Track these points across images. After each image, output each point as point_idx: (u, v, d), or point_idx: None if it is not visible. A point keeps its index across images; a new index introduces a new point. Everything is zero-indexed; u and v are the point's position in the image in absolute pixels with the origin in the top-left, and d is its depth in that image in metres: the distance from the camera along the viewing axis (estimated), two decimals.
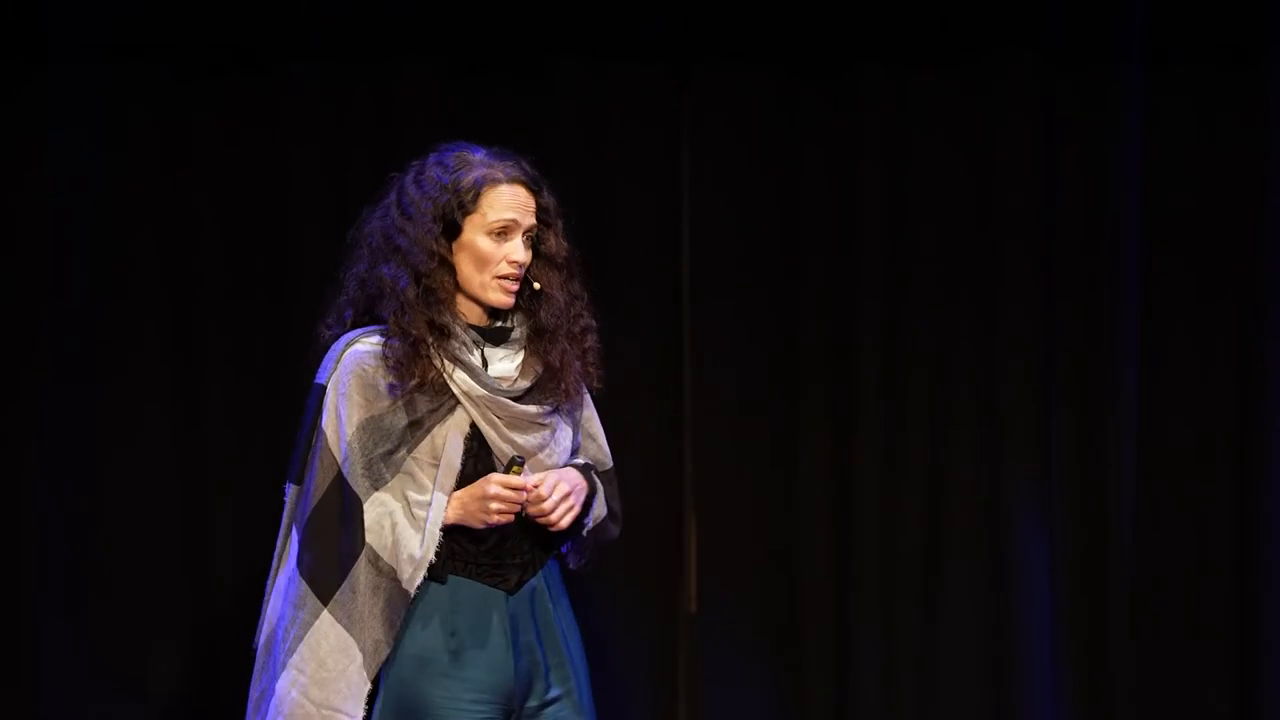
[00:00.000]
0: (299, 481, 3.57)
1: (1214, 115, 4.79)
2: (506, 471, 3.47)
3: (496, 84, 4.73)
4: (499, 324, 3.59)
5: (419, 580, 3.49)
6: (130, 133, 4.68)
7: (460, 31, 4.70)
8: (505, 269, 3.53)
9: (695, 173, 4.81)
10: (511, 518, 3.48)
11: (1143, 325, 4.78)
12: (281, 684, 3.52)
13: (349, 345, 3.56)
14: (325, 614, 3.50)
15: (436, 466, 3.52)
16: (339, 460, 3.53)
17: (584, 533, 3.63)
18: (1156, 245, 4.79)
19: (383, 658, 3.49)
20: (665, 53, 4.75)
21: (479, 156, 3.58)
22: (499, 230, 3.53)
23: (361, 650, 3.49)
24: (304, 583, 3.52)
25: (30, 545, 4.69)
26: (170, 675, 4.72)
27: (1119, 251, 4.75)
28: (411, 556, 3.48)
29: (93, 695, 4.69)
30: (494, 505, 3.45)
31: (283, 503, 3.59)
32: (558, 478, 3.53)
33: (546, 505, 3.49)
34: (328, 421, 3.55)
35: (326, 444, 3.55)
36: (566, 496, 3.52)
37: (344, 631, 3.49)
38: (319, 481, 3.54)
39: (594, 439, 3.74)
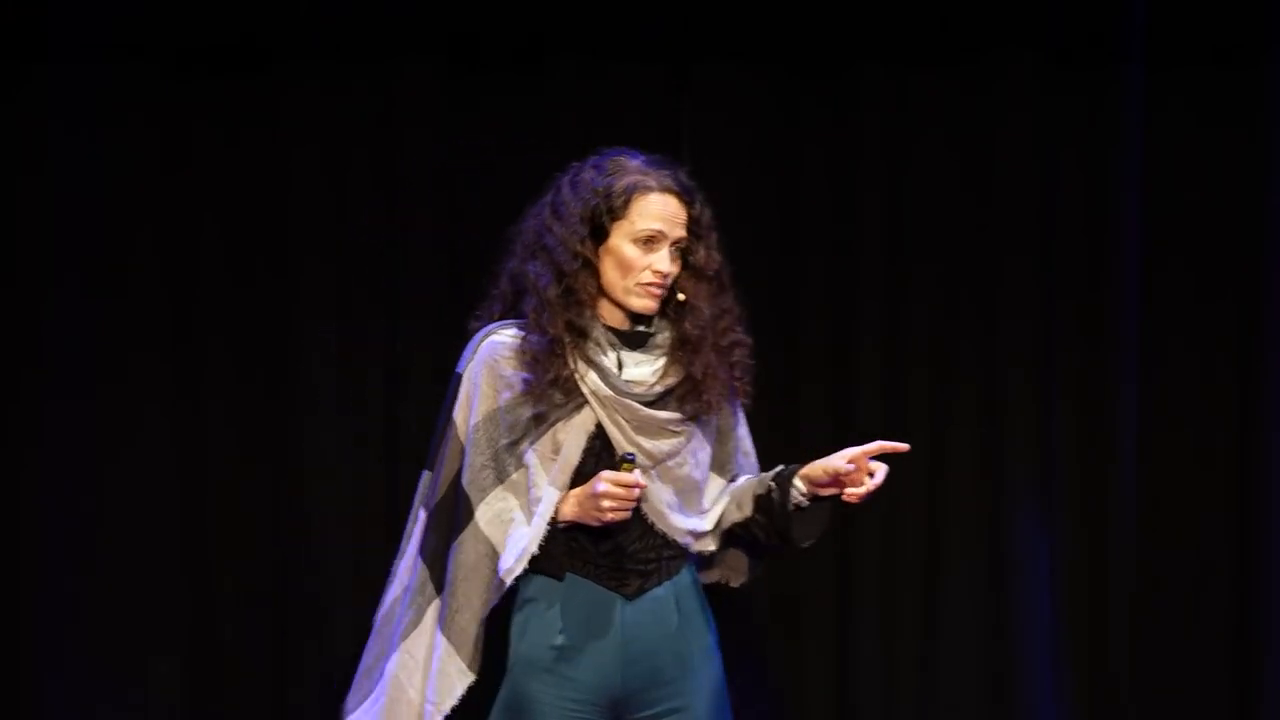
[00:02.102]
0: (432, 468, 3.63)
1: (1214, 115, 4.79)
2: (618, 468, 3.46)
3: (496, 84, 4.73)
4: (639, 329, 3.58)
5: (518, 572, 3.51)
6: (130, 133, 4.68)
7: (460, 31, 4.70)
8: (648, 277, 3.54)
9: (695, 173, 4.80)
10: (626, 515, 3.47)
11: (1143, 325, 4.78)
12: (391, 664, 3.58)
13: (486, 336, 3.60)
14: (438, 601, 3.56)
15: (556, 462, 3.53)
16: (465, 449, 3.57)
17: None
18: (1156, 245, 4.79)
19: (479, 650, 3.52)
20: (665, 53, 4.74)
21: (635, 163, 3.60)
22: (645, 239, 3.54)
23: (459, 644, 3.51)
24: (424, 568, 3.59)
25: (30, 546, 4.69)
26: (170, 675, 4.71)
27: (1119, 252, 4.75)
28: (516, 549, 3.50)
29: (93, 695, 4.69)
30: (605, 503, 3.45)
31: (416, 487, 3.66)
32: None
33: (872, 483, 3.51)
34: (459, 411, 3.59)
35: (455, 433, 3.60)
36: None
37: (437, 621, 3.55)
38: (446, 471, 3.60)
39: (748, 456, 3.75)
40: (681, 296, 3.58)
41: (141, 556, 4.71)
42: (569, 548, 3.53)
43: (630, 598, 3.55)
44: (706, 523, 3.64)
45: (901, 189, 4.77)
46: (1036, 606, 4.74)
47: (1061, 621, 4.78)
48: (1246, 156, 4.77)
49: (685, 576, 3.62)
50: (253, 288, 4.73)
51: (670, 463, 3.56)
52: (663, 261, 3.53)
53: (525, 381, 3.52)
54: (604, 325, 3.56)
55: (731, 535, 3.68)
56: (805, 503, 3.59)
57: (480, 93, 4.72)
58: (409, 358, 4.70)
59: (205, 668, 4.73)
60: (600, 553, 3.54)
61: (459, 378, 3.60)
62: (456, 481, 3.57)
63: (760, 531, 3.64)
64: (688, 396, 3.56)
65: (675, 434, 3.56)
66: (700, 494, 3.64)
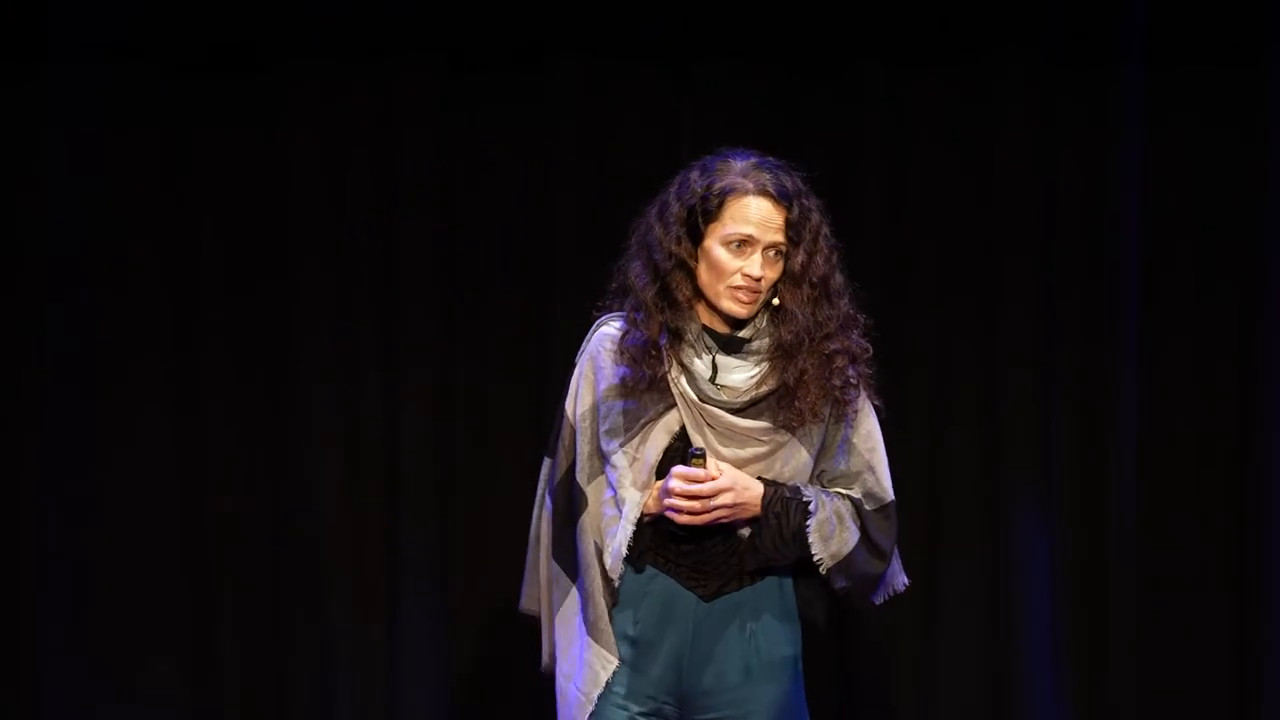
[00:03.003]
0: (552, 455, 3.64)
1: (1214, 115, 4.79)
2: (686, 463, 3.46)
3: (496, 84, 4.73)
4: (738, 334, 3.55)
5: (620, 570, 3.52)
6: (130, 133, 4.68)
7: (460, 31, 4.70)
8: (739, 281, 3.49)
9: None
10: (694, 514, 3.45)
11: (1143, 325, 4.78)
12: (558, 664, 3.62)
13: (598, 328, 3.62)
14: (573, 590, 3.58)
15: (640, 461, 3.54)
16: (575, 438, 3.59)
17: (822, 569, 3.53)
18: (1156, 245, 4.79)
19: (613, 637, 3.53)
20: (665, 53, 4.74)
21: (740, 164, 3.54)
22: (737, 242, 3.49)
23: (595, 635, 3.53)
24: (555, 564, 3.61)
25: (30, 546, 4.69)
26: (170, 676, 4.72)
27: (1119, 252, 4.75)
28: (613, 548, 3.51)
29: (92, 696, 4.69)
30: (669, 500, 3.46)
31: (539, 474, 3.68)
32: (731, 484, 3.46)
33: (684, 504, 3.45)
34: (569, 400, 3.62)
35: (567, 421, 3.62)
36: (716, 504, 3.45)
37: (576, 610, 3.57)
38: (561, 459, 3.62)
39: (872, 470, 3.61)
40: (776, 301, 3.54)
41: (141, 556, 4.71)
42: (653, 542, 3.54)
43: (706, 599, 3.54)
44: None
45: (901, 189, 4.77)
46: (1036, 606, 4.74)
47: (1061, 621, 4.78)
48: (1246, 156, 4.77)
49: (770, 584, 3.59)
50: (252, 288, 4.73)
51: (753, 468, 3.53)
52: (754, 266, 3.48)
53: (621, 377, 3.53)
54: (703, 327, 3.54)
55: None
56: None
57: (480, 94, 4.72)
58: (408, 358, 4.71)
59: (205, 668, 4.73)
60: (682, 551, 3.54)
61: (574, 366, 3.63)
62: (571, 471, 3.59)
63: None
64: (781, 404, 3.52)
65: (761, 443, 3.53)
66: None
